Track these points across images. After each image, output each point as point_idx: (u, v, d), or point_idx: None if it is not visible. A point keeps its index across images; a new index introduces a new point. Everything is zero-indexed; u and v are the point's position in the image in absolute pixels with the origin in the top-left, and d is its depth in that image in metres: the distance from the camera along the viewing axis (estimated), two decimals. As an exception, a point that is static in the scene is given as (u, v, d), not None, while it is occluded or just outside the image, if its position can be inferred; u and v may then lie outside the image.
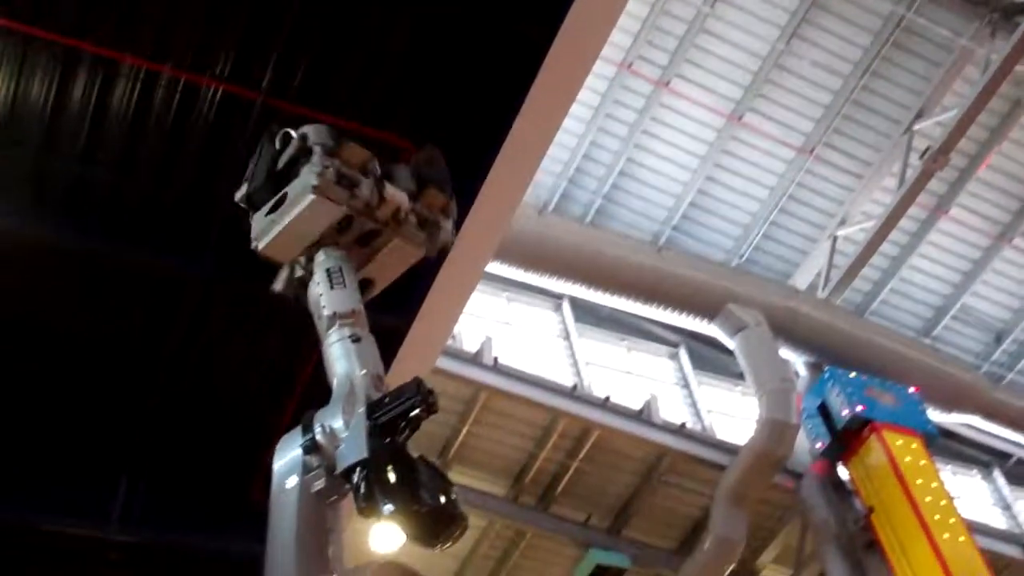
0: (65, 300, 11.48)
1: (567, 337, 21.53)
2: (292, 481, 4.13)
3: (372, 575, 3.63)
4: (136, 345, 12.27)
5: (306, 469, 4.09)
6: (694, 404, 21.84)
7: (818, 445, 20.25)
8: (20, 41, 9.01)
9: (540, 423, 19.22)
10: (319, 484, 4.06)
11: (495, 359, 18.65)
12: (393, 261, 4.97)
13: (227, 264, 10.73)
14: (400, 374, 11.84)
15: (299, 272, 4.87)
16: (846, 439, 19.99)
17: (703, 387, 22.50)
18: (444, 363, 16.91)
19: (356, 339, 4.56)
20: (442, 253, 5.11)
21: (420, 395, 4.06)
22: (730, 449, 19.45)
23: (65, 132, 9.76)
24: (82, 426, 13.59)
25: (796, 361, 21.41)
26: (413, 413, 4.04)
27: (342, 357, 4.50)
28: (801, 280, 22.81)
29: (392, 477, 3.92)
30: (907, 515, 18.43)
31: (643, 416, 19.37)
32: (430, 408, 4.06)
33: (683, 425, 19.84)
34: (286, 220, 4.65)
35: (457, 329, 18.27)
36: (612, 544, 19.44)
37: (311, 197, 4.60)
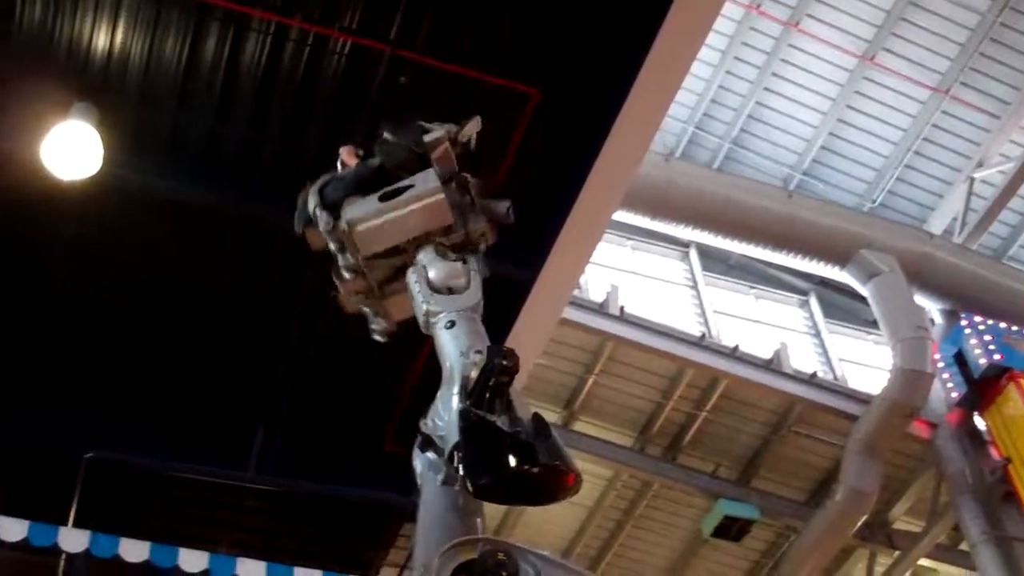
0: (200, 255, 11.71)
1: (694, 285, 21.30)
2: (422, 476, 4.16)
3: (445, 557, 3.53)
4: (270, 298, 12.50)
5: (430, 464, 4.10)
6: (825, 353, 21.46)
7: (954, 394, 19.76)
8: (154, 0, 9.14)
9: (667, 373, 19.07)
10: (442, 474, 4.06)
11: (621, 308, 18.55)
12: None
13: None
14: (527, 324, 11.90)
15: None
16: (983, 388, 19.46)
17: (834, 335, 22.09)
18: (570, 313, 16.86)
19: (450, 324, 4.52)
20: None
21: (493, 363, 3.98)
22: (862, 399, 19.07)
23: (198, 89, 9.89)
24: (221, 377, 13.91)
25: (931, 308, 20.87)
26: (492, 383, 3.95)
27: (444, 345, 4.49)
28: (936, 224, 22.17)
29: (480, 456, 3.84)
30: (1046, 466, 17.93)
31: (772, 365, 19.08)
32: (507, 371, 3.97)
33: (814, 374, 19.51)
34: (404, 209, 4.76)
35: (583, 279, 18.20)
36: (740, 495, 19.26)
37: (440, 196, 4.71)
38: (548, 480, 3.80)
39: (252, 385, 14.08)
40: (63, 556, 14.03)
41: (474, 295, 4.71)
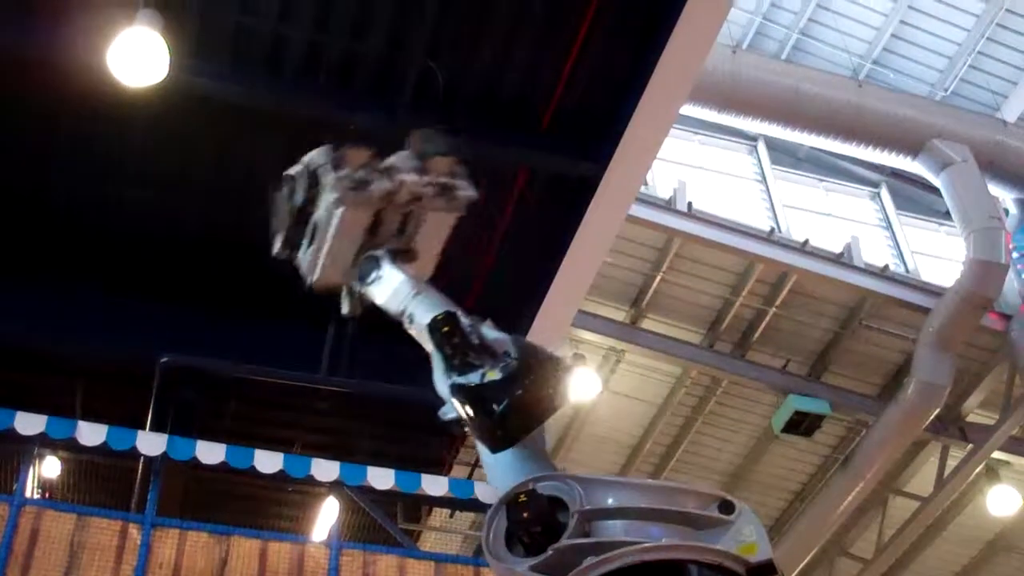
0: (267, 158, 11.70)
1: (763, 180, 21.00)
2: None
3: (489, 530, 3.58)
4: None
5: None
6: (897, 245, 21.13)
7: (1029, 285, 19.42)
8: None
9: (736, 269, 18.90)
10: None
11: (689, 204, 18.34)
12: (432, 233, 4.87)
13: (421, 116, 10.74)
14: (595, 221, 11.85)
15: (357, 287, 4.76)
16: (1059, 278, 19.13)
17: (906, 228, 21.73)
18: (637, 210, 16.67)
19: (410, 320, 4.44)
20: (469, 207, 5.00)
21: (431, 332, 3.97)
22: (935, 291, 18.79)
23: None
24: (291, 278, 14.02)
25: (1005, 198, 20.45)
26: (446, 348, 3.92)
27: (416, 336, 4.42)
28: (1010, 112, 21.57)
29: (476, 425, 3.82)
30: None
31: (843, 259, 18.83)
32: (448, 332, 3.93)
33: (885, 267, 19.23)
34: (327, 243, 4.64)
35: (650, 175, 17.99)
36: (811, 390, 19.15)
37: (339, 211, 4.55)
38: (538, 396, 3.74)
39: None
40: (141, 459, 14.36)
41: (390, 279, 4.60)
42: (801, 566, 20.26)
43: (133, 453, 13.87)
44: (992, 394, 19.68)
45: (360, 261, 4.70)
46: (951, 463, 19.92)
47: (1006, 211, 20.39)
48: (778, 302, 18.91)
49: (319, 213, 4.69)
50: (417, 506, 17.66)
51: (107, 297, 13.82)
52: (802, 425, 18.75)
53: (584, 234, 12.57)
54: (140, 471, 14.80)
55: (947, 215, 19.95)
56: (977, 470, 20.03)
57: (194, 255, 13.47)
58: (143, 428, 13.89)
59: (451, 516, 18.69)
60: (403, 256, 4.73)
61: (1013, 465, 20.58)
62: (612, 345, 18.58)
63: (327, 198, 4.63)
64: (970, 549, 22.20)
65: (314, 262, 4.74)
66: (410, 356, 13.07)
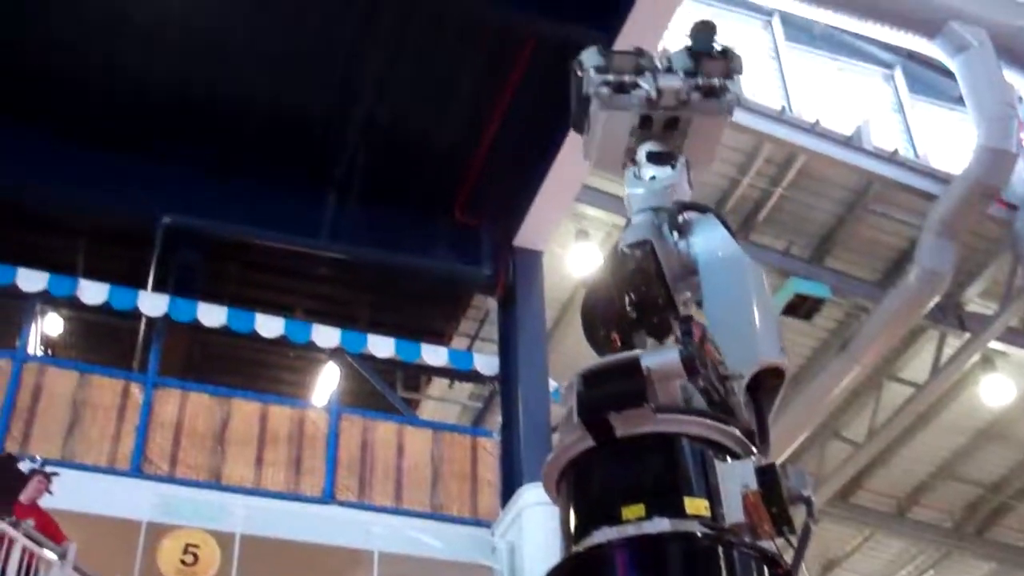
0: (274, 10, 11.55)
1: (776, 56, 20.61)
2: None
3: None
4: (344, 60, 12.32)
5: None
6: (908, 130, 20.82)
7: (1038, 175, 19.19)
8: None
9: (744, 148, 18.65)
10: None
11: (699, 79, 17.94)
12: (701, 137, 5.15)
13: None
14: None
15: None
16: (1068, 167, 18.87)
17: (918, 111, 21.41)
18: (647, 84, 16.36)
19: None
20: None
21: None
22: (943, 178, 18.56)
23: None
24: (293, 143, 13.86)
25: (1021, 86, 20.11)
26: None
27: None
28: (1032, -3, 21.12)
29: None
30: None
31: (853, 142, 18.57)
32: None
33: (895, 152, 18.99)
34: (595, 138, 5.08)
35: (661, 45, 17.66)
36: (813, 274, 19.05)
37: (602, 114, 4.95)
38: None
39: (324, 152, 14.05)
40: (143, 320, 14.40)
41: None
42: (793, 447, 20.44)
43: (135, 313, 13.94)
44: (993, 284, 19.63)
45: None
46: (947, 352, 19.97)
47: (1020, 99, 20.06)
48: (785, 183, 18.73)
49: (591, 109, 5.06)
50: (417, 375, 17.80)
51: (110, 155, 13.73)
52: (802, 308, 18.71)
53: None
54: (142, 331, 14.88)
55: (960, 100, 19.65)
56: (973, 359, 20.09)
57: (199, 116, 13.32)
58: (145, 289, 13.92)
59: (450, 386, 18.82)
60: (662, 158, 5.00)
61: (1009, 356, 20.64)
62: (616, 222, 18.46)
63: (592, 101, 5.01)
64: (961, 437, 22.40)
65: (588, 150, 5.18)
66: (412, 225, 13.14)
